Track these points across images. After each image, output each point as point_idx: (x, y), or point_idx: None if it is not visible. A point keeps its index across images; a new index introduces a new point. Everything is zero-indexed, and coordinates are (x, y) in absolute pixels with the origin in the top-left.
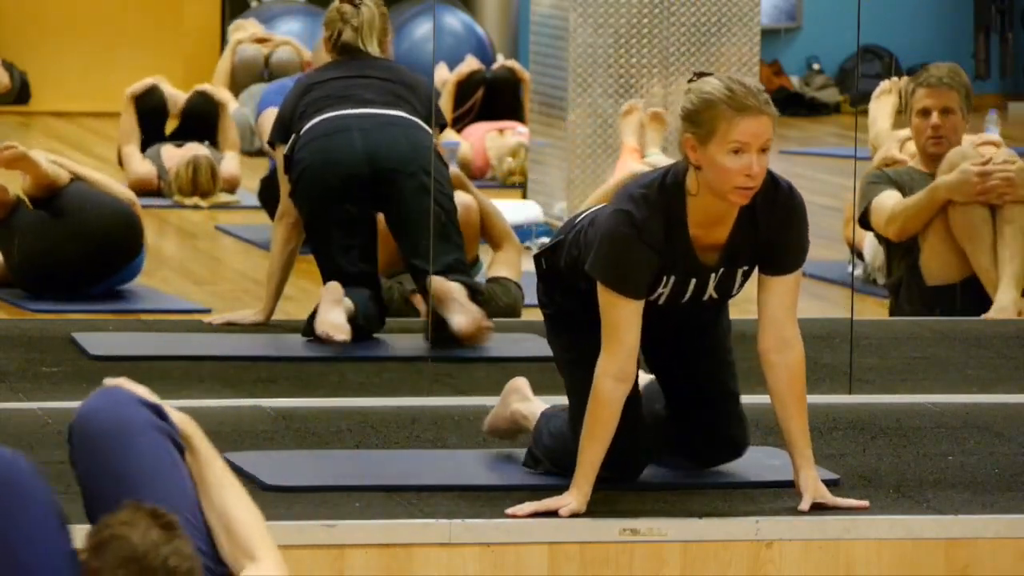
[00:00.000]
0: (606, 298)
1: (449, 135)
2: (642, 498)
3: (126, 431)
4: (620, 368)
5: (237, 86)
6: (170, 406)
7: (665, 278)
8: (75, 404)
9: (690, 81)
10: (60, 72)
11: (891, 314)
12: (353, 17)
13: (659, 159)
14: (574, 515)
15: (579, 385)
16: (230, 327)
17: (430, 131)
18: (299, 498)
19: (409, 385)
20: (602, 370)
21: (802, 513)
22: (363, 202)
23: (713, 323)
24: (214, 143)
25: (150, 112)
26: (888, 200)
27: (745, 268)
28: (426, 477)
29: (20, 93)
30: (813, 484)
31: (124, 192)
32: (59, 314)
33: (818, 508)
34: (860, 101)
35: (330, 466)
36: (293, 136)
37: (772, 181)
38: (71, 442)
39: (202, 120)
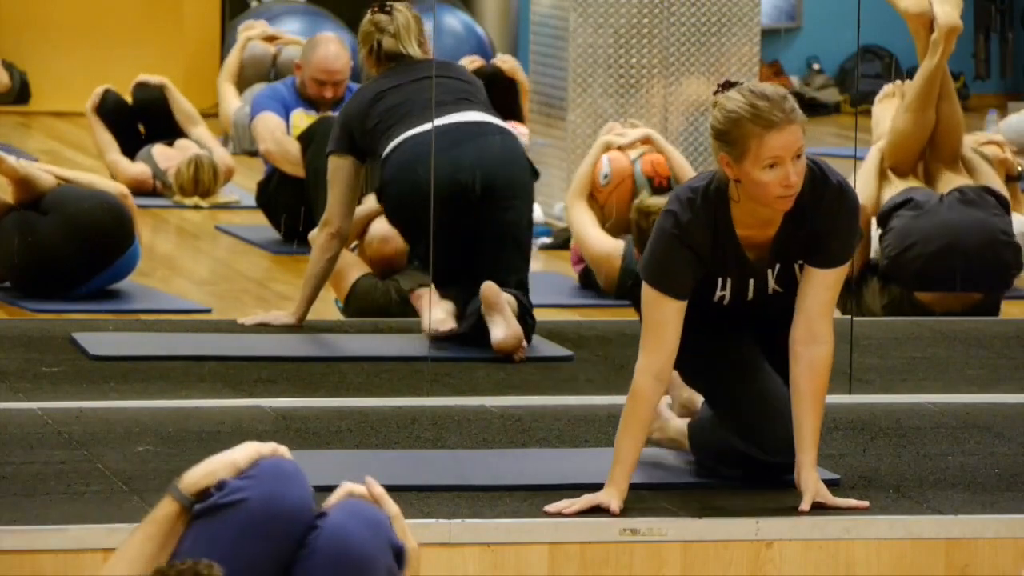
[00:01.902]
0: (649, 296)
1: None
2: (642, 498)
3: (364, 572)
4: (661, 367)
5: (244, 84)
6: (409, 534)
7: (720, 280)
8: (75, 404)
9: (716, 93)
10: (60, 72)
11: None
12: (389, 24)
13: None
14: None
15: (705, 375)
16: (236, 328)
17: (516, 135)
18: None
19: (409, 385)
20: (643, 368)
21: (802, 513)
22: (464, 213)
23: (789, 311)
24: (173, 126)
25: (113, 114)
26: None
27: (800, 262)
28: (426, 477)
29: (20, 93)
30: (814, 484)
31: (114, 186)
32: (59, 314)
33: (818, 508)
34: (860, 101)
35: (330, 466)
36: (383, 152)
37: (822, 176)
38: (310, 544)
39: (154, 108)
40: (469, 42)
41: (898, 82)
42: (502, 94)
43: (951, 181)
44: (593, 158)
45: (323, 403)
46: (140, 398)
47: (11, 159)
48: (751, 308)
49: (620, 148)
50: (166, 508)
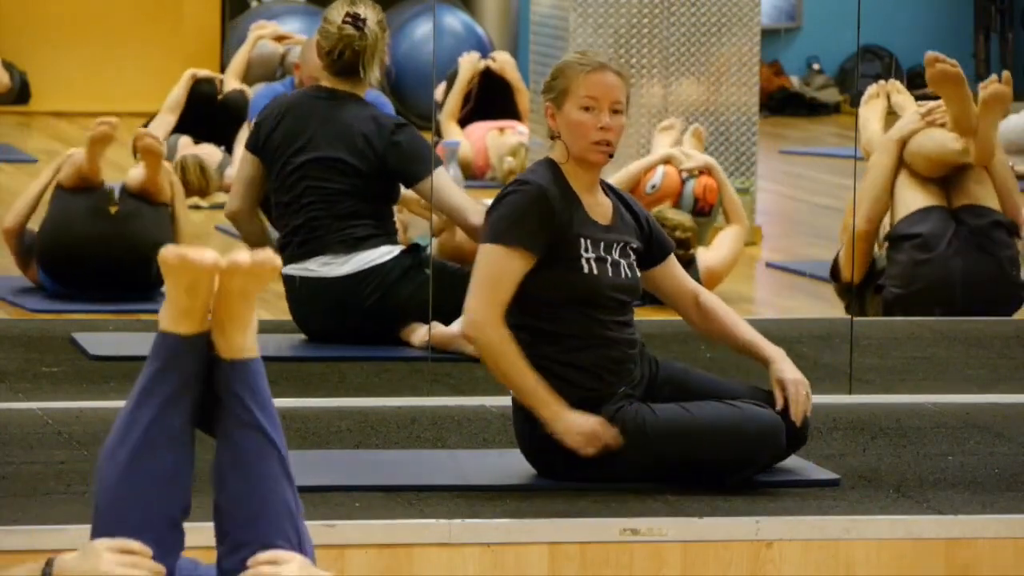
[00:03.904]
0: (491, 253)
1: (450, 134)
2: (642, 498)
3: None
4: (499, 315)
5: (249, 82)
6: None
7: (583, 241)
8: (75, 404)
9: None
10: (60, 72)
11: (886, 312)
12: (357, 41)
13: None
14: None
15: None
16: None
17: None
18: (299, 498)
19: (409, 385)
20: (486, 320)
21: (804, 511)
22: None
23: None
24: (231, 144)
25: (198, 98)
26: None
27: (634, 245)
28: (426, 477)
29: (20, 93)
30: (800, 375)
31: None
32: (59, 314)
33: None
34: (860, 101)
35: (330, 466)
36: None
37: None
38: None
39: (232, 117)
40: (469, 42)
41: (882, 82)
42: (497, 94)
43: (968, 193)
44: (650, 163)
45: (323, 403)
46: None
47: (165, 171)
48: (621, 308)
49: (679, 168)
50: None
